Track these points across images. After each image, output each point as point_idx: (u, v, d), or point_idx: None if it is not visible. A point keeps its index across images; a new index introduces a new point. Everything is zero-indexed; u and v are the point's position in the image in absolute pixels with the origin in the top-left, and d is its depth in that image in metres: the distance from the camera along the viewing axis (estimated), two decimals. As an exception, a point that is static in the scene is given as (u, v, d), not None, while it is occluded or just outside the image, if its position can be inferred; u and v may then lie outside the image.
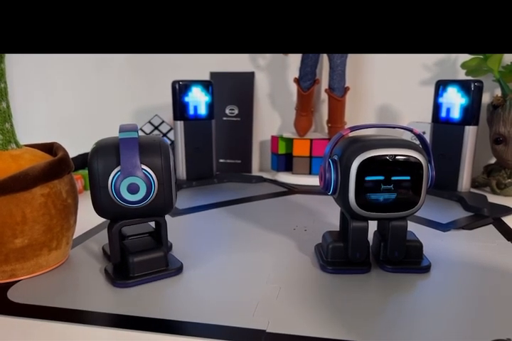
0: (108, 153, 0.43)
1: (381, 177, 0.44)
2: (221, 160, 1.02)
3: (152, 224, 0.53)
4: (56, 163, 0.46)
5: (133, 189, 0.42)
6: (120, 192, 0.42)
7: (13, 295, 0.42)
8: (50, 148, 0.51)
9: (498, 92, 0.86)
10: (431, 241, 0.55)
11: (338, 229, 0.52)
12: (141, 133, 0.98)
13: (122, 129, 0.43)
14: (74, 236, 0.52)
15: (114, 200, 0.43)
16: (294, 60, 0.95)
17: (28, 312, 0.39)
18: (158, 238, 0.48)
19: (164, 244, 0.48)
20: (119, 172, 0.42)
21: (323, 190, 0.47)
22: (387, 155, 0.43)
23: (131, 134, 0.43)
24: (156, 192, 0.43)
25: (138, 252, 0.46)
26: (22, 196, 0.43)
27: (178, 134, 0.86)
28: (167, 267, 0.47)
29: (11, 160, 0.44)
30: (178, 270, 0.47)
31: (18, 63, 1.08)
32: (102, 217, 0.45)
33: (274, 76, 1.01)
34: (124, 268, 0.45)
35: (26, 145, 0.50)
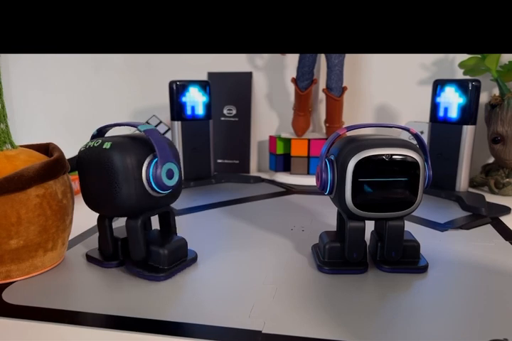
0: (130, 147, 0.43)
1: (377, 177, 0.43)
2: (219, 161, 1.02)
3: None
4: (51, 164, 0.45)
5: (170, 174, 0.44)
6: (162, 179, 0.43)
7: (8, 296, 0.42)
8: (45, 148, 0.51)
9: (496, 92, 0.86)
10: (428, 241, 0.55)
11: (335, 229, 0.52)
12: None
13: (134, 124, 0.45)
14: (70, 237, 0.52)
15: (146, 191, 0.44)
16: (292, 60, 0.95)
17: (23, 314, 0.39)
18: (166, 231, 0.50)
19: (174, 232, 0.50)
20: (154, 161, 0.43)
21: (319, 190, 0.47)
22: (383, 155, 0.43)
23: (150, 126, 0.45)
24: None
25: (163, 244, 0.46)
26: (17, 197, 0.42)
27: (176, 135, 0.86)
28: (186, 257, 0.49)
29: (6, 161, 0.44)
30: (194, 259, 0.49)
31: (16, 63, 1.07)
32: (124, 214, 0.46)
33: (271, 76, 1.01)
34: (149, 263, 0.46)
35: (22, 146, 0.50)
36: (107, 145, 0.43)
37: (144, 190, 0.44)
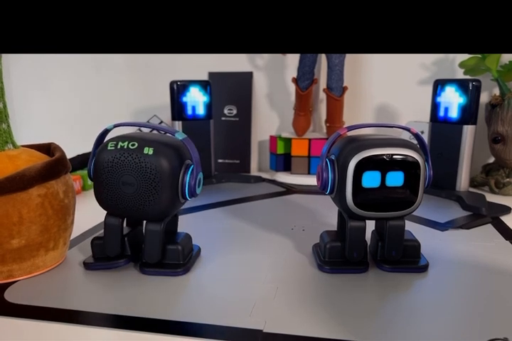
0: (171, 154, 0.44)
1: (378, 177, 0.44)
2: (220, 161, 1.02)
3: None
4: (53, 164, 0.45)
5: (199, 183, 0.46)
6: (195, 187, 0.45)
7: (10, 295, 0.42)
8: (47, 148, 0.51)
9: (496, 91, 0.86)
10: (429, 241, 0.55)
11: (335, 229, 0.52)
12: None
13: (170, 130, 0.46)
14: (71, 237, 0.52)
15: (177, 198, 0.45)
16: (292, 60, 0.95)
17: (25, 313, 0.39)
18: (169, 230, 0.50)
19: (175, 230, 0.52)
20: (190, 170, 0.45)
21: (320, 189, 0.47)
22: (384, 155, 0.43)
23: (183, 134, 0.46)
24: None
25: (175, 241, 0.48)
26: (19, 196, 0.42)
27: (177, 134, 0.86)
28: (193, 251, 0.50)
29: (8, 161, 0.44)
30: (199, 252, 0.51)
31: (16, 63, 1.08)
32: (150, 219, 0.46)
33: (272, 76, 1.01)
34: (163, 261, 0.47)
35: (23, 146, 0.50)
36: (148, 150, 0.43)
37: (176, 197, 0.44)
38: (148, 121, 1.06)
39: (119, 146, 0.44)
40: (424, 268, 0.47)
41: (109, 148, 0.44)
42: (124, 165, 0.43)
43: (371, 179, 0.44)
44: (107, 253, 0.47)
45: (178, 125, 0.85)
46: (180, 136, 0.45)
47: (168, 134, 0.48)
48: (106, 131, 0.48)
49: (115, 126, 0.47)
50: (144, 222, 0.47)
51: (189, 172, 0.45)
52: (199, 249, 0.52)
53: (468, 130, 0.74)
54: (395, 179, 0.44)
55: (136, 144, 0.43)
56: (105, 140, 0.46)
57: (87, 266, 0.48)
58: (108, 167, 0.44)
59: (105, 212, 0.47)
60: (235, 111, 1.01)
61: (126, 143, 0.43)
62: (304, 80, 0.87)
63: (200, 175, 0.46)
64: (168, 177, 0.43)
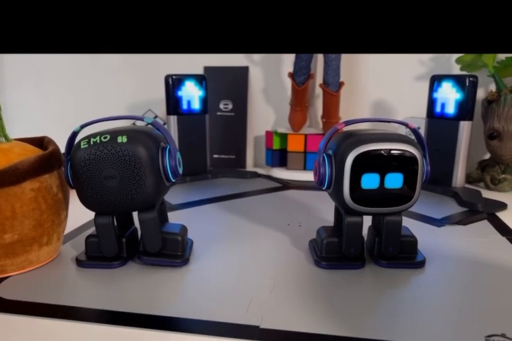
0: (145, 139, 0.43)
1: (376, 172, 0.43)
2: (215, 156, 1.01)
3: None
4: (46, 157, 0.45)
5: (179, 163, 0.46)
6: (177, 168, 0.45)
7: (3, 291, 0.41)
8: (40, 142, 0.50)
9: (493, 87, 0.86)
10: (425, 237, 0.55)
11: (332, 225, 0.52)
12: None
13: (137, 117, 0.46)
14: (65, 232, 0.51)
15: (162, 181, 0.44)
16: (289, 55, 0.95)
17: (18, 309, 0.38)
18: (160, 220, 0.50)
19: (167, 220, 0.52)
20: (167, 151, 0.44)
21: (317, 184, 0.47)
22: (381, 150, 0.43)
23: (151, 118, 0.46)
24: None
25: (175, 231, 0.48)
26: (11, 190, 0.42)
27: (172, 129, 0.85)
28: (187, 243, 0.50)
29: (1, 154, 0.43)
30: (192, 245, 0.51)
31: (10, 56, 1.06)
32: (141, 207, 0.45)
33: (268, 71, 1.00)
34: (162, 251, 0.47)
35: (16, 139, 0.49)
36: (122, 138, 0.42)
37: (161, 180, 0.44)
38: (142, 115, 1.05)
39: (91, 142, 0.43)
40: (420, 264, 0.47)
41: (82, 146, 0.43)
42: (102, 159, 0.42)
43: (370, 181, 0.43)
44: (103, 253, 0.47)
45: (173, 119, 0.85)
46: (148, 119, 0.45)
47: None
48: (74, 134, 0.46)
49: (82, 126, 0.46)
50: (137, 216, 0.46)
51: (167, 153, 0.44)
52: (192, 242, 0.52)
53: (464, 126, 0.74)
54: (394, 181, 0.43)
55: (108, 136, 0.43)
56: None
57: (79, 263, 0.47)
58: (86, 165, 0.43)
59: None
60: (230, 106, 1.00)
61: (98, 137, 0.43)
62: (301, 75, 0.86)
63: (179, 155, 0.46)
64: (148, 162, 0.43)
